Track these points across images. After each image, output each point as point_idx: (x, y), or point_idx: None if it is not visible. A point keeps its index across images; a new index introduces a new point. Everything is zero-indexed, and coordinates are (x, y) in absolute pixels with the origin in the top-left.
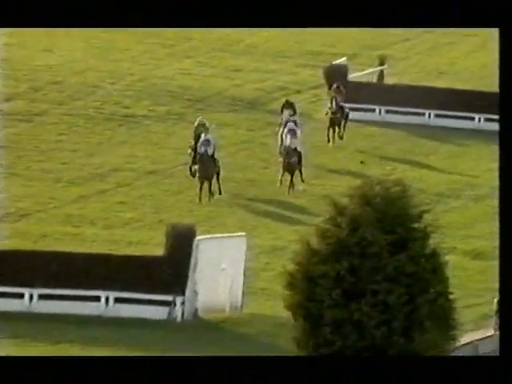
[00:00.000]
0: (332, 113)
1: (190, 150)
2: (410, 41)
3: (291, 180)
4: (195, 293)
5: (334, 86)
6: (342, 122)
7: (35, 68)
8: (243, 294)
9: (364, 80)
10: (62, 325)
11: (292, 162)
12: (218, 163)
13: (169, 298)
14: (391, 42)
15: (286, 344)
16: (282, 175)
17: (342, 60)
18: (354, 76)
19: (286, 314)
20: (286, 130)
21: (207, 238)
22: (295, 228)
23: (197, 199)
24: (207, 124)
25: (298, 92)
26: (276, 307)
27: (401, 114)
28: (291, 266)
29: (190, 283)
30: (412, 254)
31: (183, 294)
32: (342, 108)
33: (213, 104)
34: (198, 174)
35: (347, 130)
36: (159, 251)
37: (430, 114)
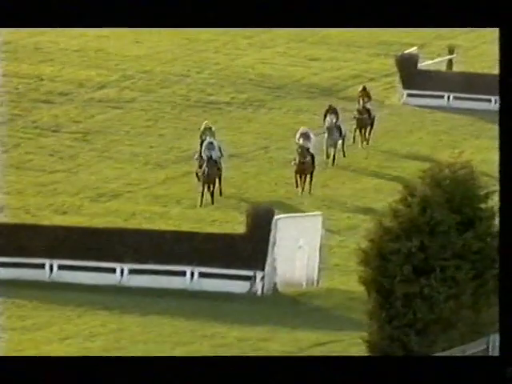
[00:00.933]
0: (359, 114)
1: (196, 155)
2: (476, 31)
3: (304, 181)
4: (274, 268)
5: (361, 87)
6: (368, 125)
7: (125, 58)
8: (319, 269)
9: (434, 68)
10: (150, 298)
11: (306, 161)
12: (221, 166)
13: (249, 273)
14: (460, 32)
15: (360, 316)
16: (297, 176)
17: (412, 49)
18: (424, 64)
19: (359, 289)
20: (298, 133)
21: (285, 217)
22: (368, 207)
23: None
24: (213, 128)
25: (372, 80)
26: (350, 282)
27: (468, 100)
28: (364, 244)
29: (269, 259)
30: (479, 232)
31: (263, 269)
32: (368, 110)
33: (291, 91)
34: (202, 178)
35: (418, 115)
36: (241, 229)
37: (495, 100)
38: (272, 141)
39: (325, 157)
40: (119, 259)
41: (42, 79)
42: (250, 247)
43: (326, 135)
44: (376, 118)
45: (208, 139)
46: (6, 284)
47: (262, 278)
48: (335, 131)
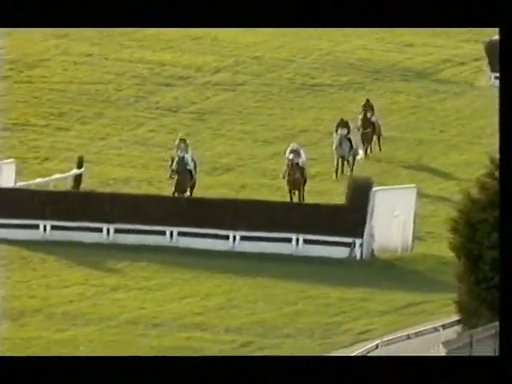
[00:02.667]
0: (363, 128)
1: (170, 162)
2: None
3: (299, 195)
4: (372, 236)
5: (364, 101)
6: (375, 137)
7: (238, 45)
8: (413, 236)
9: None
10: (259, 262)
11: (296, 178)
12: (195, 177)
13: (350, 240)
14: None
15: (450, 279)
16: (290, 192)
17: None
18: None
19: (449, 254)
20: (288, 149)
21: (382, 189)
22: (457, 181)
23: None
24: (188, 141)
25: (462, 64)
26: (441, 248)
27: None
28: (454, 213)
29: (367, 227)
30: None
31: (362, 236)
32: (372, 123)
33: (387, 74)
34: (174, 187)
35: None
36: (341, 200)
37: None
38: None
39: (334, 175)
40: (232, 227)
41: (163, 64)
42: (350, 216)
43: (334, 147)
44: (382, 129)
45: (179, 154)
46: (131, 248)
47: (361, 244)
48: (345, 144)
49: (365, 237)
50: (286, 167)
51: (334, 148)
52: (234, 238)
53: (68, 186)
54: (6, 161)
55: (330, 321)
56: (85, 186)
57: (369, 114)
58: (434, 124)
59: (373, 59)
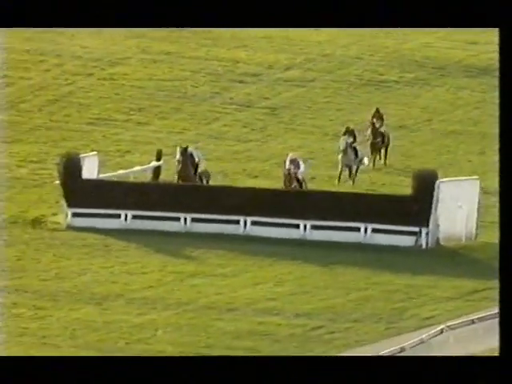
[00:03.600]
0: (373, 138)
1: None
2: None
3: None
4: (437, 225)
5: (373, 110)
6: (383, 148)
7: (308, 43)
8: (477, 226)
9: None
10: (330, 251)
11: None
12: (201, 180)
13: (416, 229)
14: None
15: None
16: None
17: None
18: None
19: None
20: (287, 160)
21: (447, 181)
22: None
23: None
24: (189, 148)
25: None
26: None
27: None
28: None
29: (432, 217)
30: None
31: (427, 225)
32: (382, 134)
33: (452, 71)
34: (177, 175)
35: None
36: (407, 191)
37: None
38: (435, 114)
39: (337, 180)
40: (303, 216)
41: (237, 62)
42: (416, 206)
43: (340, 156)
44: (390, 138)
45: (181, 148)
46: (207, 237)
47: (427, 233)
48: (350, 152)
49: (430, 226)
50: (284, 177)
51: (338, 156)
52: (305, 226)
53: (148, 177)
54: (89, 153)
55: (397, 306)
56: (163, 177)
57: (377, 124)
58: (497, 118)
59: (438, 56)
